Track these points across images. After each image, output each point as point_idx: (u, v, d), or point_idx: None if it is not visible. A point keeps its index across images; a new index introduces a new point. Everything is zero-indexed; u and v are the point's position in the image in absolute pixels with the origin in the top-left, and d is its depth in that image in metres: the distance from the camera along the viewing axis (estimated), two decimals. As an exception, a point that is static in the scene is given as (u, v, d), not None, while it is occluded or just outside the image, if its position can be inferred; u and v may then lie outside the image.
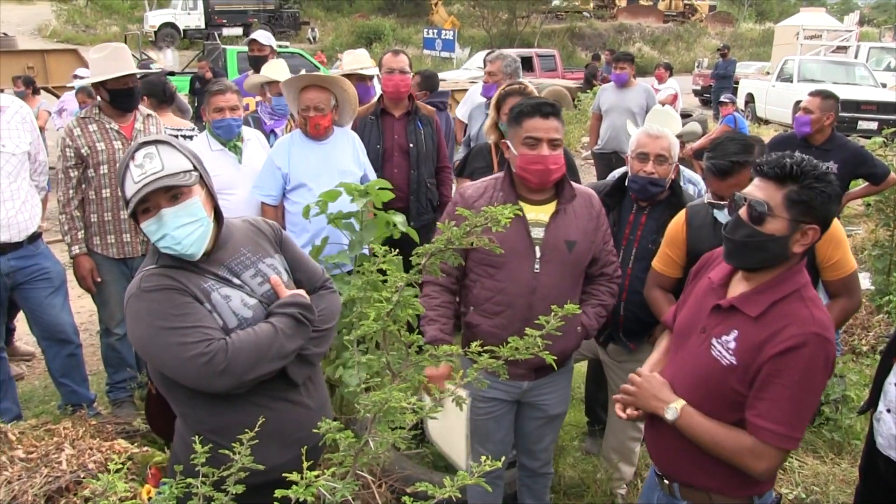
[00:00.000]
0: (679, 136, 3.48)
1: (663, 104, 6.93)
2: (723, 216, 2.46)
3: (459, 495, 1.32)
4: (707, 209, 2.61)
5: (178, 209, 1.73)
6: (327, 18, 32.10)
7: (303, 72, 4.70)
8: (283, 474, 1.29)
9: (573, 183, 2.48)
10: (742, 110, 14.27)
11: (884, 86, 14.26)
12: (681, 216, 2.65)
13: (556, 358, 1.63)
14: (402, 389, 1.40)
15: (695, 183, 3.51)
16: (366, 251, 3.17)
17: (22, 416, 3.44)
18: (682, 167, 3.18)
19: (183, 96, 7.81)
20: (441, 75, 14.55)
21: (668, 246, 2.65)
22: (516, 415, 2.59)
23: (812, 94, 4.32)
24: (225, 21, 26.69)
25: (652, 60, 23.94)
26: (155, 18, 26.19)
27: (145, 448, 2.82)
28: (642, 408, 1.89)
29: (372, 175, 3.72)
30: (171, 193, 1.73)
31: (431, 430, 2.44)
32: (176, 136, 3.39)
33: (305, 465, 1.31)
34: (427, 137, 4.17)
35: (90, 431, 2.96)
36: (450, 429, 2.36)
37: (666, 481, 1.94)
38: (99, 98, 3.55)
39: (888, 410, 2.17)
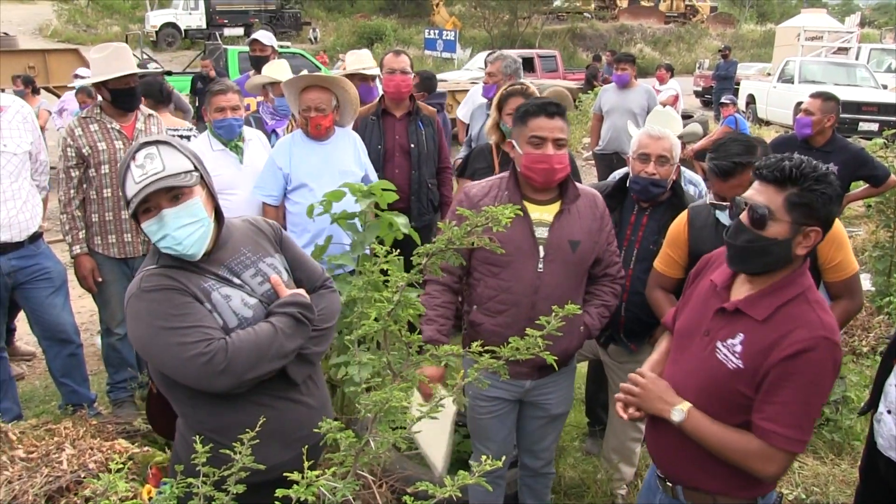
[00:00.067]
0: (680, 137, 3.48)
1: (664, 105, 6.92)
2: (725, 217, 2.46)
3: (460, 495, 1.32)
4: (709, 210, 2.61)
5: (179, 209, 1.73)
6: (329, 19, 32.09)
7: (304, 72, 4.69)
8: (284, 473, 1.29)
9: (577, 183, 2.49)
10: (743, 111, 14.25)
11: (884, 87, 14.24)
12: (683, 217, 2.65)
13: (556, 358, 1.63)
14: (402, 389, 1.40)
15: (695, 184, 3.50)
16: (367, 252, 3.17)
17: (22, 416, 3.44)
18: (682, 168, 3.18)
19: (184, 96, 7.84)
20: (442, 76, 14.61)
21: (670, 246, 2.65)
22: (518, 414, 2.59)
23: (813, 95, 4.32)
24: (226, 21, 26.67)
25: (653, 61, 23.97)
26: (156, 18, 26.23)
27: (146, 448, 2.82)
28: (647, 409, 1.88)
29: (373, 175, 3.72)
30: (172, 194, 1.73)
31: (414, 427, 2.44)
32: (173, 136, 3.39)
33: (306, 464, 1.31)
34: (428, 138, 4.17)
35: (91, 431, 2.96)
36: (434, 432, 2.35)
37: (669, 484, 1.93)
38: (100, 98, 3.56)
39: (888, 411, 2.17)
